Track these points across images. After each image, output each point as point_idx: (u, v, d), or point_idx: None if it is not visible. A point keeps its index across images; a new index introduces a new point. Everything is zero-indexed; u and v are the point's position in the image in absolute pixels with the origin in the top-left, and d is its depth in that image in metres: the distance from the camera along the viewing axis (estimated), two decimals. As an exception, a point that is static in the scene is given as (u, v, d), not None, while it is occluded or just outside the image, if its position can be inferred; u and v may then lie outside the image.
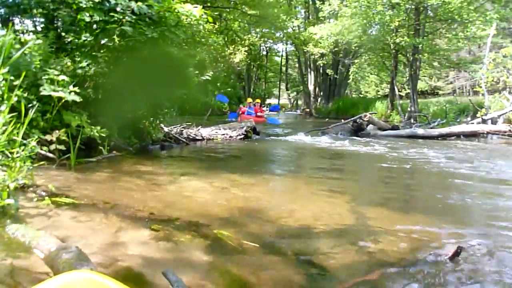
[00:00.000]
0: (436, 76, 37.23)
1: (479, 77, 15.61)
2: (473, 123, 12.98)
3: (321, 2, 23.59)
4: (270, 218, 3.08)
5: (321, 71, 28.37)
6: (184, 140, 7.85)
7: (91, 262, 1.92)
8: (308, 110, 30.80)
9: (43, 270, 1.94)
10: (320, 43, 19.91)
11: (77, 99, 4.73)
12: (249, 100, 18.63)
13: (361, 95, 43.52)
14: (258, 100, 19.08)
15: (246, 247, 2.41)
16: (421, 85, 34.58)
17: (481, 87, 14.69)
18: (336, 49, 22.49)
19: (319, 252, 2.38)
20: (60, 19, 5.75)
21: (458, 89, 38.69)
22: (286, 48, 40.19)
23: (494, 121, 13.07)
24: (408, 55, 17.12)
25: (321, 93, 28.76)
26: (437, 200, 3.96)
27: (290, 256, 2.32)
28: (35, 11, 6.04)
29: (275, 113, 18.04)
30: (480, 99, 16.48)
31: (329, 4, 19.66)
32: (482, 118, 12.98)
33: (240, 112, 16.71)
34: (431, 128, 12.79)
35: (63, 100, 4.72)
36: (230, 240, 2.49)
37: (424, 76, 35.20)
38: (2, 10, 6.15)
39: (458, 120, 15.44)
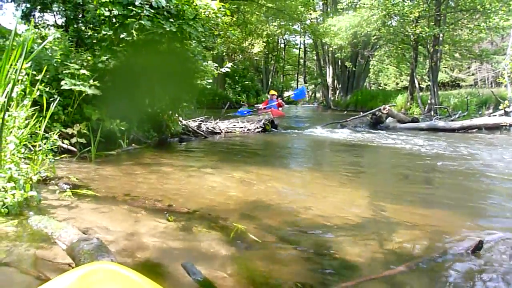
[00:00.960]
0: (457, 68, 36.55)
1: (502, 68, 15.27)
2: (495, 115, 12.71)
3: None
4: (289, 211, 3.08)
5: (339, 63, 28.12)
6: (202, 133, 7.89)
7: (112, 253, 1.95)
8: (324, 102, 30.72)
9: (65, 261, 1.97)
10: (339, 34, 19.70)
11: (97, 92, 4.80)
12: (272, 92, 17.64)
13: (380, 87, 43.03)
14: (274, 92, 17.87)
15: (264, 240, 2.42)
16: (442, 76, 34.03)
17: (504, 78, 14.37)
18: (354, 41, 22.24)
19: (338, 246, 2.37)
20: (81, 14, 5.82)
21: (480, 80, 37.96)
22: (304, 41, 39.93)
23: (517, 114, 12.80)
24: (428, 47, 16.82)
25: (340, 86, 28.51)
26: (457, 194, 3.91)
27: (308, 250, 2.32)
28: (56, 6, 6.12)
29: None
30: (503, 91, 16.14)
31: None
32: (504, 110, 12.70)
33: (262, 106, 15.80)
34: (452, 120, 12.57)
35: (84, 94, 4.79)
36: (248, 232, 2.49)
37: (445, 67, 34.60)
38: (24, 5, 6.25)
39: (479, 113, 15.14)
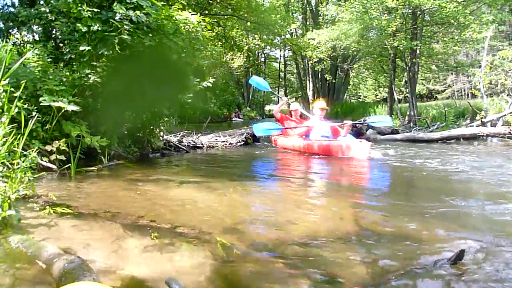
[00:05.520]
0: (434, 80, 37.31)
1: (476, 80, 15.65)
2: (472, 126, 12.99)
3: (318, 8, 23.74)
4: (273, 224, 3.08)
5: (319, 76, 28.47)
6: (184, 148, 7.85)
7: (94, 272, 1.91)
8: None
9: (46, 282, 1.93)
10: (318, 47, 19.93)
11: (77, 108, 4.75)
12: (294, 106, 10.04)
13: (360, 100, 43.61)
14: (297, 107, 10.08)
15: (248, 254, 2.41)
16: (419, 88, 34.66)
17: (477, 89, 14.72)
18: (334, 54, 22.53)
19: (323, 258, 2.37)
20: (58, 30, 5.78)
21: (456, 92, 38.80)
22: (284, 54, 40.35)
23: (493, 124, 13.09)
24: (406, 60, 17.13)
25: (320, 99, 28.83)
26: (439, 204, 3.95)
27: (294, 263, 2.31)
28: (33, 22, 6.07)
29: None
30: (479, 102, 16.50)
31: (326, 10, 19.76)
32: (481, 121, 12.98)
33: (293, 123, 9.45)
34: (431, 131, 12.78)
35: (63, 110, 4.73)
36: (232, 246, 2.48)
37: (423, 79, 35.29)
38: (1, 23, 6.20)
39: (457, 123, 15.43)
